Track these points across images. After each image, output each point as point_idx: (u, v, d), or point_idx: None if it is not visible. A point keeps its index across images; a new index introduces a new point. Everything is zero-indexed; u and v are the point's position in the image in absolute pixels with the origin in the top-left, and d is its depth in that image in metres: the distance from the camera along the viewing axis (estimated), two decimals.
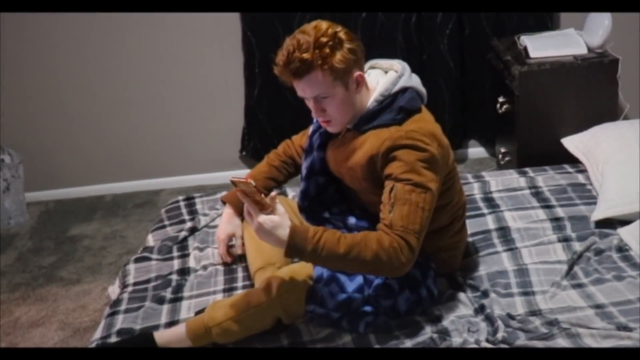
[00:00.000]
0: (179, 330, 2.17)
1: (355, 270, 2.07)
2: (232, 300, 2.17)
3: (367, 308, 2.14)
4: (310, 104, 2.13)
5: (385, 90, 2.14)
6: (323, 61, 2.01)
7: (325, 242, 1.97)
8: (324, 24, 2.05)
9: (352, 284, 2.14)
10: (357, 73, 2.09)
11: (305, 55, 2.00)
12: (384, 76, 2.21)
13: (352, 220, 2.29)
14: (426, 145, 2.05)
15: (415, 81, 2.20)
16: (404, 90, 2.15)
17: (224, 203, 2.54)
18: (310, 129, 2.38)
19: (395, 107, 2.12)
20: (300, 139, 2.53)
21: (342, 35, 2.05)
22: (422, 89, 2.22)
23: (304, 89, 2.08)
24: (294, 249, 1.98)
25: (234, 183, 1.95)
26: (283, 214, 1.98)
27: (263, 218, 1.96)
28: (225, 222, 2.51)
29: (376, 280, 2.14)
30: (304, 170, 2.35)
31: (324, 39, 2.01)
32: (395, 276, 2.08)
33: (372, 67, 2.27)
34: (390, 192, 2.02)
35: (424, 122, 2.14)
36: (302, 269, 2.18)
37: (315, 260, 2.02)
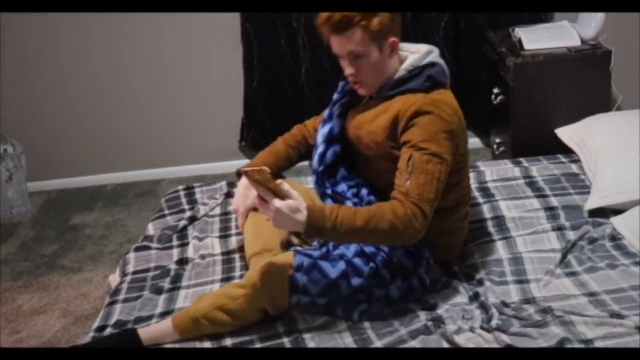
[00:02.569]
0: (165, 325, 2.11)
1: (373, 242, 2.07)
2: (217, 292, 2.16)
3: (360, 296, 2.11)
4: (344, 63, 2.15)
5: (415, 61, 2.18)
6: (362, 18, 2.04)
7: (343, 218, 1.96)
8: None
9: (334, 270, 2.09)
10: (392, 39, 2.12)
11: (348, 12, 2.04)
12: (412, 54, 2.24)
13: (364, 191, 2.29)
14: (449, 116, 2.10)
15: (442, 62, 2.24)
16: (432, 64, 2.18)
17: (239, 175, 2.45)
18: (332, 101, 2.38)
19: (424, 75, 2.15)
20: (313, 122, 2.53)
21: None
22: (448, 72, 2.24)
23: (341, 45, 2.11)
24: (314, 228, 1.97)
25: (246, 173, 1.88)
26: (297, 197, 1.96)
27: (280, 203, 1.93)
28: (243, 196, 2.42)
29: (366, 268, 2.10)
30: (321, 137, 2.34)
31: None
32: (410, 243, 2.07)
33: (400, 50, 2.27)
34: (408, 161, 2.04)
35: (450, 97, 2.18)
36: (282, 258, 2.14)
37: (335, 236, 2.01)
